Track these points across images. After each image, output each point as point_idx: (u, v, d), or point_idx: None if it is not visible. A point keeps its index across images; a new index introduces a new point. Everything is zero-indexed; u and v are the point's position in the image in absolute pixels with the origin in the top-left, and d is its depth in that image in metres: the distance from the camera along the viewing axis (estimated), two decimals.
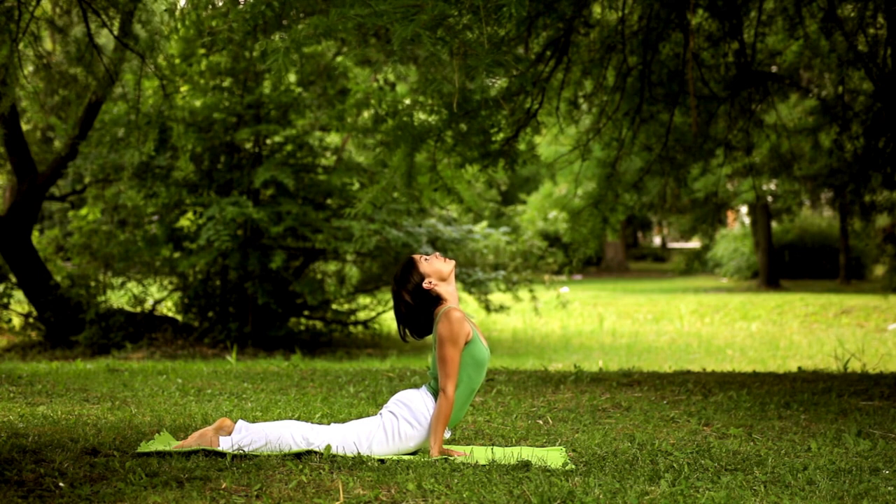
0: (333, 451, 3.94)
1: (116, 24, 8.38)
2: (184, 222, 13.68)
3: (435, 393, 4.08)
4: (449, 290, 4.17)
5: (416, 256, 4.19)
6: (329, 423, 4.26)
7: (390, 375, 7.02)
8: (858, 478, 3.68)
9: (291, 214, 12.70)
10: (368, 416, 5.03)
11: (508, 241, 16.11)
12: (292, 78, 13.55)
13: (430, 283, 4.13)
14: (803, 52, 9.30)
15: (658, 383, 6.59)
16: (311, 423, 4.24)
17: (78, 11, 8.92)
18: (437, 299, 4.14)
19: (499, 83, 7.96)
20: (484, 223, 16.43)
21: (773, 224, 26.74)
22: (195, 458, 3.78)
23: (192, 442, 3.97)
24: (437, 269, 4.16)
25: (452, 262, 4.21)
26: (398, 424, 4.01)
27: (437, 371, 4.08)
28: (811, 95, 10.05)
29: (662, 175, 9.29)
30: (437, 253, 4.25)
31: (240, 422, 4.11)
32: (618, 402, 5.67)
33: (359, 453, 3.93)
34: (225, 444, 3.93)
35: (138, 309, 13.45)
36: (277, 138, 13.66)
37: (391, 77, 13.23)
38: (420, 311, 4.15)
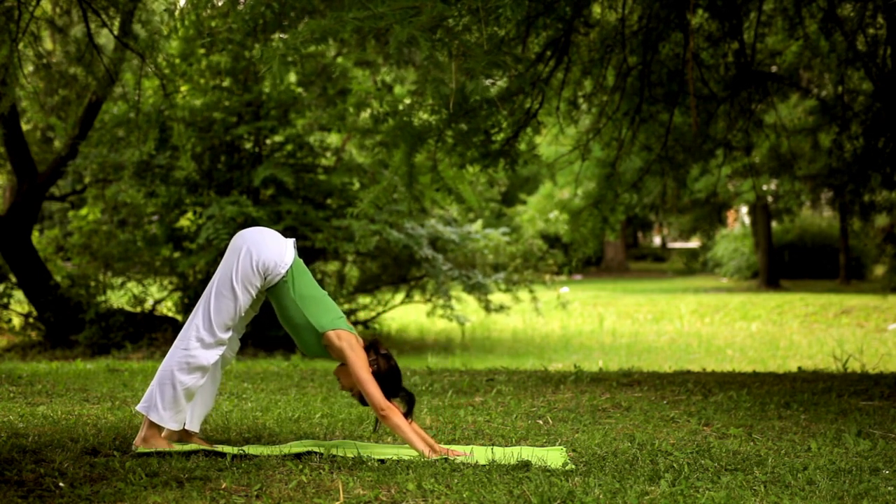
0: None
1: (116, 24, 8.37)
2: (184, 222, 13.68)
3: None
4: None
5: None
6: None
7: None
8: (858, 478, 3.68)
9: (291, 214, 12.70)
10: (370, 417, 5.03)
11: (508, 241, 16.09)
12: (292, 77, 13.56)
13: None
14: (803, 52, 9.30)
15: (658, 383, 6.59)
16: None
17: (78, 11, 8.91)
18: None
19: (499, 83, 7.96)
20: (479, 222, 16.39)
21: (773, 224, 26.72)
22: (195, 458, 3.79)
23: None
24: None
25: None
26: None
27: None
28: (811, 95, 10.04)
29: (662, 175, 9.29)
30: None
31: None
32: (618, 402, 5.67)
33: (351, 444, 3.93)
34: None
35: (138, 309, 13.44)
36: (277, 138, 13.66)
37: (388, 79, 13.24)
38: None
